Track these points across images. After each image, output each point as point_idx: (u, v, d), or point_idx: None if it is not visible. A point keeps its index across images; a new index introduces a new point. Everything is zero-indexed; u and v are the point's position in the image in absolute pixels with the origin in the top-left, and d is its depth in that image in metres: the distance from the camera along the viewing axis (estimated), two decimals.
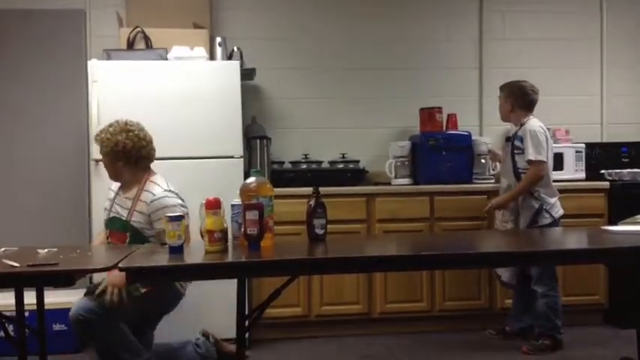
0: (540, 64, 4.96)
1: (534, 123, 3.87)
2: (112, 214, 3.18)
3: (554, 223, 3.81)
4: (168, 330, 3.62)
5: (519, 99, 3.94)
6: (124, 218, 3.10)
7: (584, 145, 4.60)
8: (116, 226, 3.14)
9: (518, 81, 4.02)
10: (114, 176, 3.21)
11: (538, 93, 3.97)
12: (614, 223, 3.32)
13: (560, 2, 5.04)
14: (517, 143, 3.88)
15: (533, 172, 3.79)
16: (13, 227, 4.25)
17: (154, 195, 3.06)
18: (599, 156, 4.80)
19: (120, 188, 3.22)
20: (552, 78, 4.96)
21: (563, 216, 4.08)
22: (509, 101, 3.97)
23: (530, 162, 3.79)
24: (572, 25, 5.05)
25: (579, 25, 5.06)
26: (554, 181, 4.00)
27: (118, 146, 3.10)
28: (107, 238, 3.20)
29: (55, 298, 3.70)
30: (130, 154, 3.12)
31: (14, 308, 2.66)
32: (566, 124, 4.82)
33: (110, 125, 3.18)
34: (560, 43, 5.03)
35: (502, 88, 4.06)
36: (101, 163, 3.37)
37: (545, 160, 3.79)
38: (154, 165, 3.29)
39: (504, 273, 3.98)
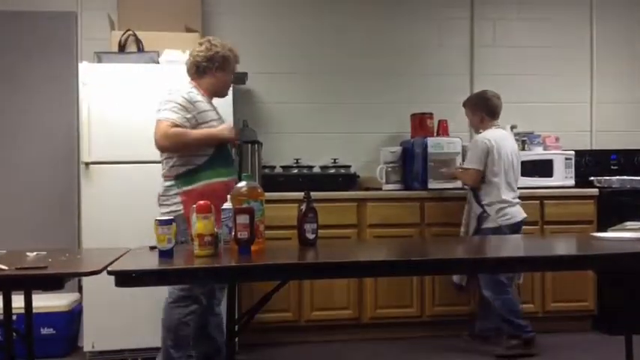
0: (530, 72, 5.00)
1: (483, 134, 3.94)
2: None
3: (498, 229, 3.81)
4: (159, 332, 3.60)
5: (484, 108, 4.00)
6: None
7: (573, 153, 4.62)
8: None
9: (478, 92, 4.12)
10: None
11: (500, 98, 4.03)
12: (604, 230, 3.32)
13: (550, 11, 5.07)
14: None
15: (464, 179, 4.05)
16: (1, 230, 4.22)
17: None
18: (588, 163, 4.83)
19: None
20: (542, 85, 5.01)
21: (553, 222, 4.09)
22: (477, 114, 4.03)
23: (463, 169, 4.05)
24: (562, 33, 5.09)
25: (569, 33, 5.10)
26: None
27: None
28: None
29: (43, 301, 3.68)
30: None
31: (1, 311, 2.64)
32: (556, 131, 4.86)
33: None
34: (550, 50, 5.06)
35: (465, 104, 4.14)
36: (91, 166, 3.34)
37: (477, 169, 3.86)
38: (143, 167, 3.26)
39: (455, 275, 4.03)
